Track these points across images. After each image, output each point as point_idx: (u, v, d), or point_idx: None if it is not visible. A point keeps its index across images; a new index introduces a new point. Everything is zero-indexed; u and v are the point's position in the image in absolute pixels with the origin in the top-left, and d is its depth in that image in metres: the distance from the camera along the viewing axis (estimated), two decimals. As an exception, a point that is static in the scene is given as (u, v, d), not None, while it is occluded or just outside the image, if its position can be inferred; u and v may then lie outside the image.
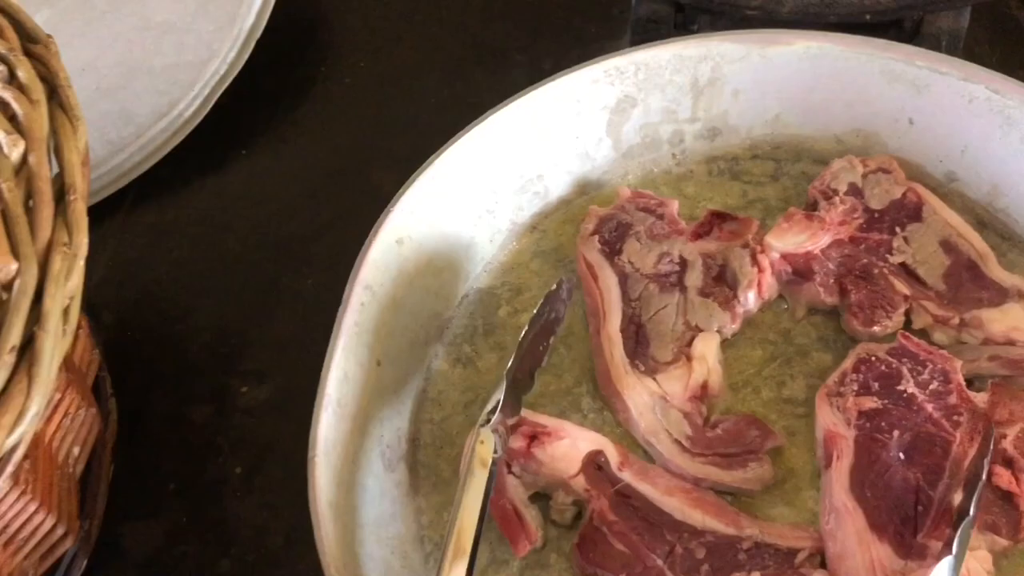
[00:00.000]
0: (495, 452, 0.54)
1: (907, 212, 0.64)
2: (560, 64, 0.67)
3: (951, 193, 0.66)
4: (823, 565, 0.53)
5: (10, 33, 0.52)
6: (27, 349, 0.43)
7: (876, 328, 0.60)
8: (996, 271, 0.61)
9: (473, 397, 0.63)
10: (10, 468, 0.43)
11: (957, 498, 0.52)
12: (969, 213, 0.65)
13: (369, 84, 0.83)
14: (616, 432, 0.60)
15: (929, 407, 0.55)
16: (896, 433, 0.54)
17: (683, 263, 0.64)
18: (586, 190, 0.71)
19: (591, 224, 0.67)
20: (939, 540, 0.51)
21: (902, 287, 0.61)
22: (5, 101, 0.48)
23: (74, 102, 0.51)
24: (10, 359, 0.42)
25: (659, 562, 0.53)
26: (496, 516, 0.56)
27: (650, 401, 0.59)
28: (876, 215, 0.64)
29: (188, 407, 0.67)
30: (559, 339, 0.64)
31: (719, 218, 0.65)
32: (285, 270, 0.73)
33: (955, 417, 0.54)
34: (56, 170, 0.49)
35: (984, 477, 0.51)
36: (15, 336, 0.42)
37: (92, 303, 0.71)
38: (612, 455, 0.57)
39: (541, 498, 0.58)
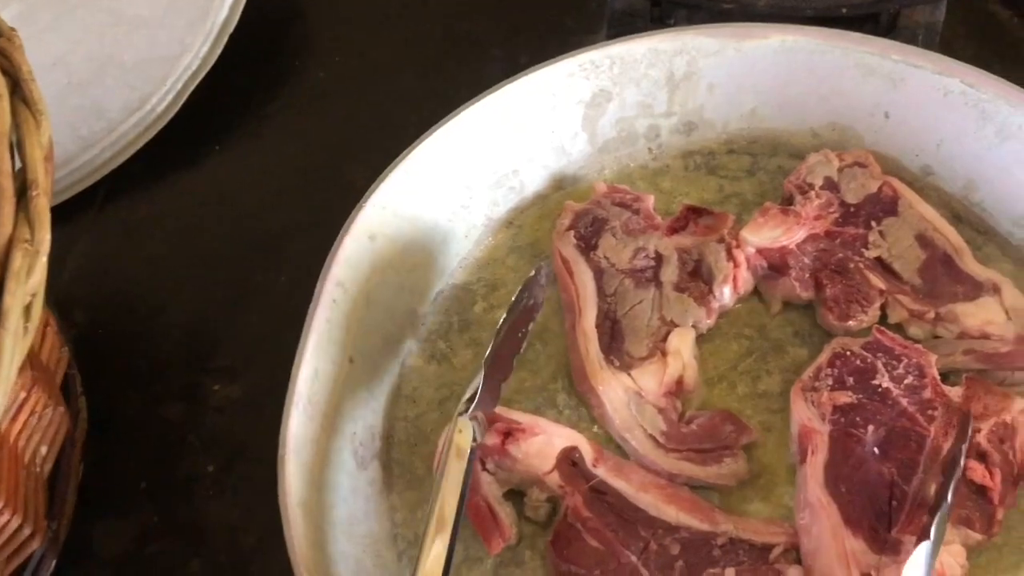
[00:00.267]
0: (473, 440, 0.54)
1: (883, 206, 0.64)
2: (537, 58, 0.67)
3: (927, 187, 0.66)
4: (798, 561, 0.53)
5: (-29, 27, 0.51)
6: (-13, 347, 0.42)
7: (851, 323, 0.60)
8: (971, 265, 0.61)
9: (448, 394, 0.62)
10: (-30, 468, 0.42)
11: (932, 492, 0.52)
12: (945, 207, 0.65)
13: (344, 79, 0.82)
14: (591, 428, 0.60)
15: (904, 401, 0.54)
16: (871, 428, 0.54)
17: (659, 258, 0.64)
18: (562, 185, 0.70)
19: (567, 219, 0.66)
20: (913, 534, 0.51)
21: (877, 281, 0.61)
22: (-35, 95, 0.48)
23: (37, 96, 0.50)
24: (-31, 357, 0.41)
25: (633, 558, 0.53)
26: (469, 513, 0.55)
27: (625, 397, 0.59)
28: (852, 209, 0.64)
29: (160, 405, 0.66)
30: (535, 335, 0.64)
31: (695, 213, 0.65)
32: (258, 267, 0.72)
33: (930, 411, 0.54)
34: (20, 165, 0.48)
35: (962, 464, 0.51)
36: (-26, 334, 0.41)
37: (63, 301, 0.70)
38: (587, 451, 0.57)
39: (516, 495, 0.57)
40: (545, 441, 0.57)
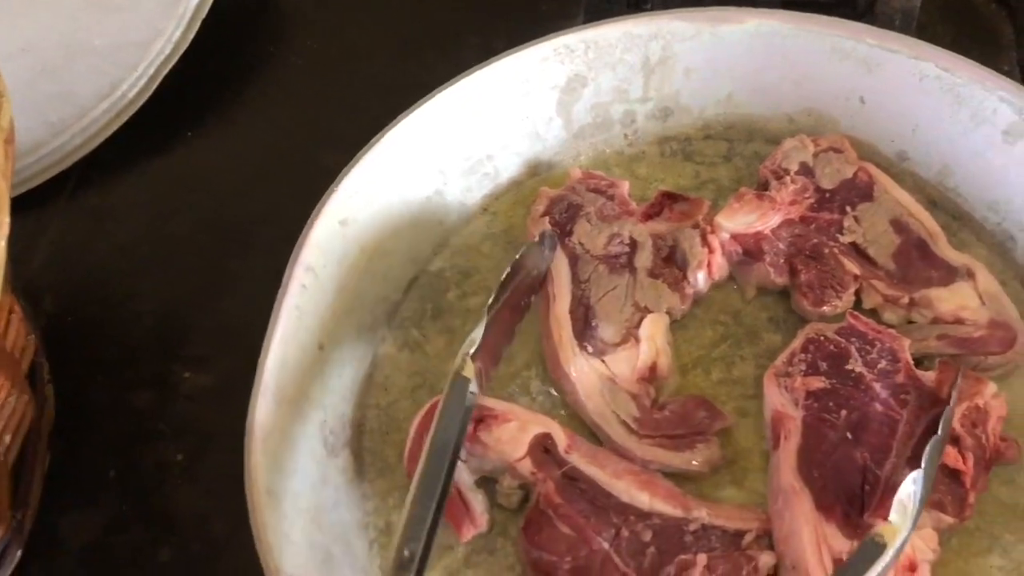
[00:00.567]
0: (472, 391, 0.54)
1: (858, 191, 0.64)
2: (513, 44, 0.66)
3: (903, 172, 0.66)
4: (771, 547, 0.52)
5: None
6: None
7: (826, 308, 0.59)
8: (946, 250, 0.61)
9: (421, 382, 0.62)
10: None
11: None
12: (920, 192, 0.65)
13: (319, 64, 0.81)
14: (565, 415, 0.60)
15: (877, 386, 0.54)
16: (844, 413, 0.54)
17: (633, 244, 0.63)
18: (537, 171, 0.70)
19: (541, 205, 0.66)
20: (885, 519, 0.51)
21: (852, 267, 0.61)
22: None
23: (-3, 78, 0.49)
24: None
25: (605, 545, 0.53)
26: (440, 501, 0.55)
27: (598, 383, 0.58)
28: (827, 195, 0.64)
29: (129, 393, 0.66)
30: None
31: (669, 199, 0.65)
32: (231, 254, 0.72)
33: (903, 396, 0.54)
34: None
35: (952, 408, 0.52)
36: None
37: (32, 288, 0.69)
38: (560, 438, 0.56)
39: (488, 482, 0.57)
40: (518, 428, 0.56)
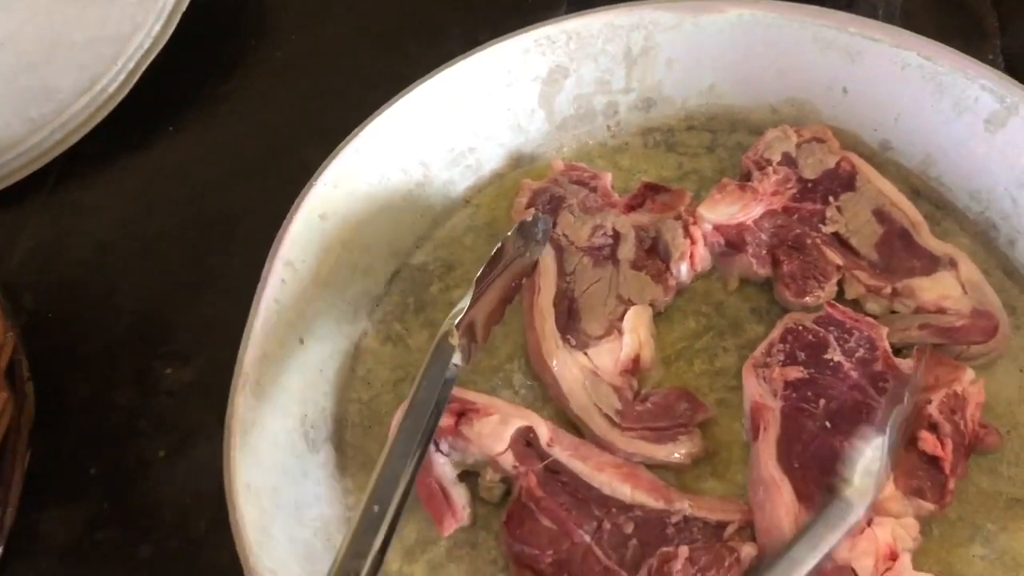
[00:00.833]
0: (455, 363, 0.54)
1: (840, 181, 0.63)
2: (497, 35, 0.66)
3: (886, 162, 0.66)
4: (753, 538, 0.52)
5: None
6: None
7: (808, 299, 0.59)
8: (928, 240, 0.61)
9: (403, 375, 0.62)
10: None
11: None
12: (904, 182, 0.65)
13: (300, 58, 0.81)
14: (548, 408, 0.59)
15: (855, 375, 0.54)
16: (822, 402, 0.53)
17: (616, 236, 0.63)
18: (520, 163, 0.69)
19: (524, 197, 0.65)
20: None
21: (834, 257, 0.60)
22: None
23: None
24: None
25: (587, 538, 0.52)
26: (421, 495, 0.55)
27: (580, 376, 0.58)
28: (809, 185, 0.63)
29: (110, 390, 0.65)
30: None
31: (652, 190, 0.64)
32: (212, 249, 0.71)
33: (881, 384, 0.54)
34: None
35: (919, 378, 0.52)
36: None
37: (11, 285, 0.69)
38: (542, 431, 0.56)
39: (471, 476, 0.57)
40: (499, 421, 0.56)
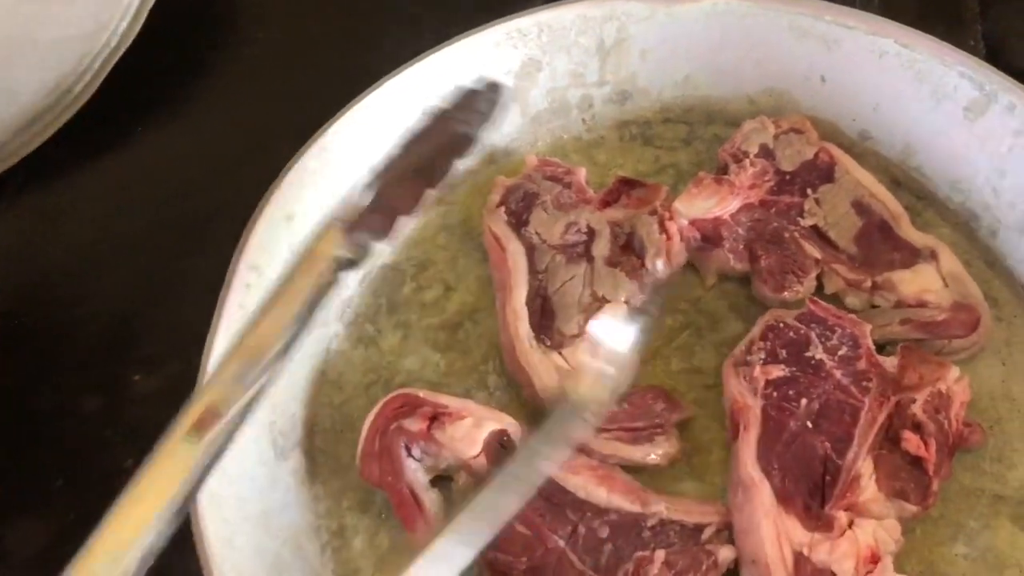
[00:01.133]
0: (348, 263, 0.47)
1: (819, 173, 0.62)
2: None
3: (865, 152, 0.64)
4: (731, 540, 0.51)
5: None
6: None
7: (787, 294, 0.58)
8: (909, 231, 0.60)
9: (375, 378, 0.60)
10: None
11: (867, 467, 0.50)
12: (884, 173, 0.63)
13: (270, 56, 0.79)
14: (524, 410, 0.58)
15: (838, 373, 0.53)
16: (804, 401, 0.52)
17: (590, 232, 0.62)
18: (494, 159, 0.68)
19: (497, 195, 0.64)
20: (848, 510, 0.50)
21: (813, 251, 0.59)
22: None
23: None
24: None
25: (561, 543, 0.51)
26: (393, 501, 0.53)
27: (556, 376, 0.57)
28: (787, 177, 0.62)
29: (77, 398, 0.64)
30: (465, 316, 0.62)
31: (627, 185, 0.63)
32: (182, 252, 0.70)
33: (864, 383, 0.53)
34: None
35: None
36: None
37: (-25, 292, 0.67)
38: (516, 434, 0.55)
39: (444, 481, 0.55)
40: (472, 424, 0.55)
